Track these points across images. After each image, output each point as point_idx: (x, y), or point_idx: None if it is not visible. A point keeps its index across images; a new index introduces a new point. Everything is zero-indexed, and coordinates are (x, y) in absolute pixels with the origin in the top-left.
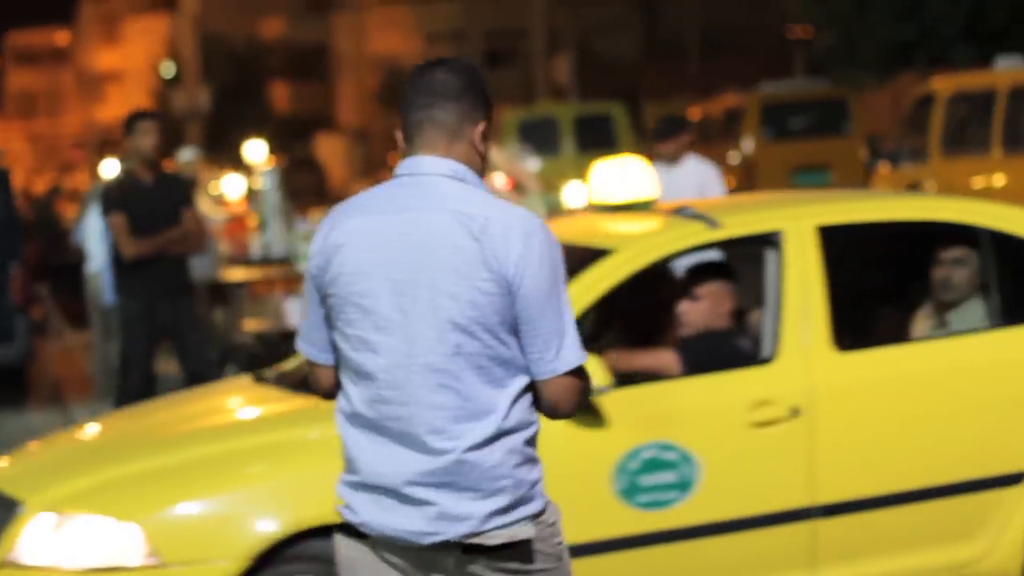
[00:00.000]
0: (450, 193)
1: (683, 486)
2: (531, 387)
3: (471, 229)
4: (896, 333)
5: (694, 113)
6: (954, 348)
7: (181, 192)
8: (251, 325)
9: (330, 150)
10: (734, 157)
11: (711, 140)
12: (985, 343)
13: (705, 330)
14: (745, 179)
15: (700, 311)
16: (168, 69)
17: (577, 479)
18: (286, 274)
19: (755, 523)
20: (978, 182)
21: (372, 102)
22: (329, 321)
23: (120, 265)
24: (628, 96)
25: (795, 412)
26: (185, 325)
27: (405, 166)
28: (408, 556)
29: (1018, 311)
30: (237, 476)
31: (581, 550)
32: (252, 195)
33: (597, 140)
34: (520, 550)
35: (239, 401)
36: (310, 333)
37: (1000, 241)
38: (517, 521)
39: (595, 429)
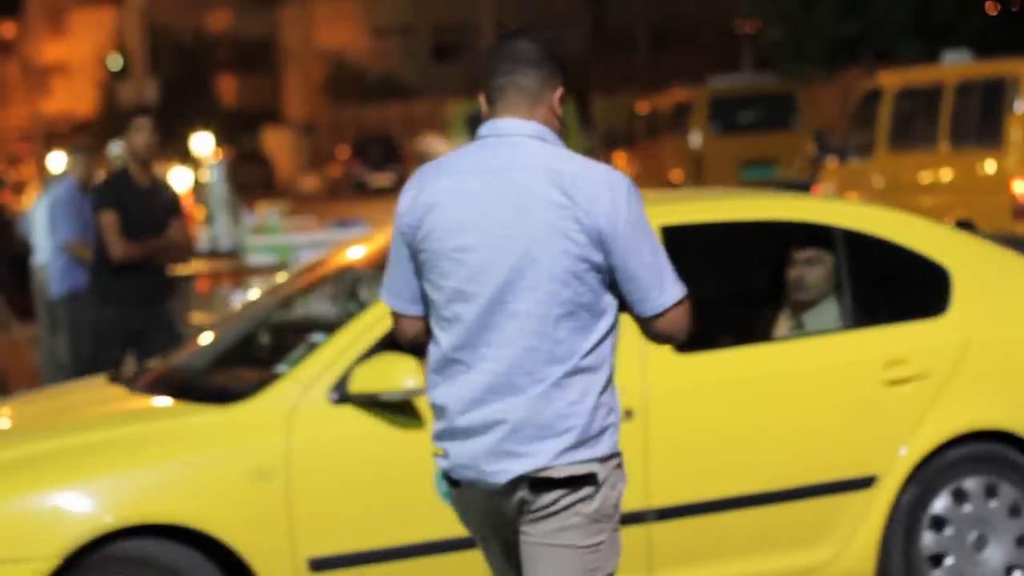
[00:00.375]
0: (536, 152)
1: None
2: (611, 332)
3: (560, 184)
4: (745, 335)
5: (642, 107)
6: (803, 350)
7: (173, 200)
8: (198, 318)
9: (277, 143)
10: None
11: (659, 134)
12: (836, 345)
13: None
14: (694, 173)
15: None
16: (115, 61)
17: (402, 479)
18: (233, 267)
19: None
20: (925, 177)
21: (319, 95)
22: (420, 274)
23: (101, 267)
24: (576, 90)
25: (628, 415)
26: (156, 332)
27: (488, 128)
28: (488, 498)
29: (871, 312)
30: (52, 475)
31: (408, 551)
32: (199, 188)
33: None
34: (584, 484)
35: (81, 400)
36: (398, 287)
37: (854, 241)
38: (585, 460)
39: (416, 429)
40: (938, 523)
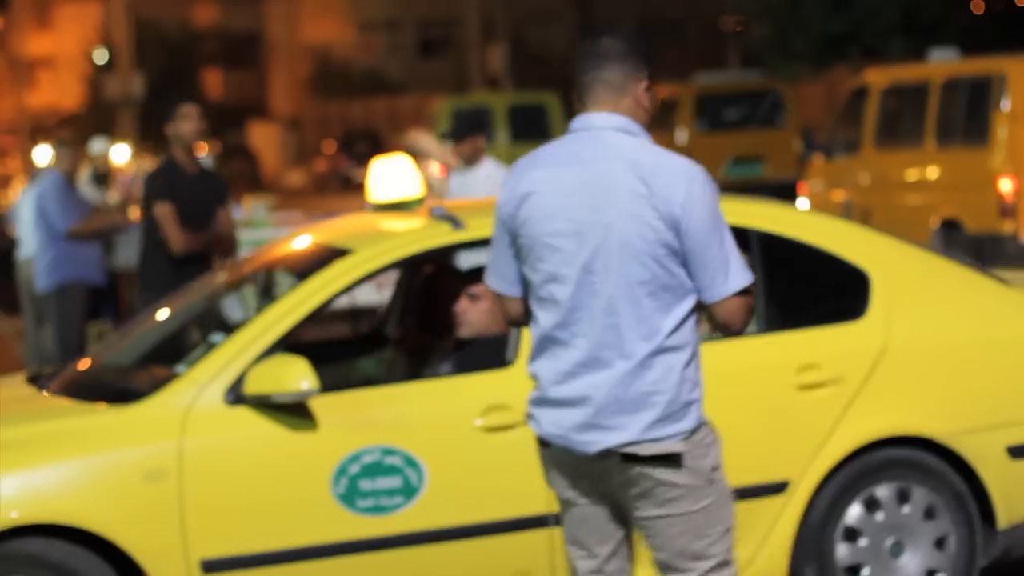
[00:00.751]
0: (620, 144)
1: (408, 491)
2: (695, 311)
3: (640, 175)
4: None
5: None
6: (715, 353)
7: (222, 188)
8: None
9: (263, 138)
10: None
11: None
12: (749, 348)
13: (484, 332)
14: None
15: (479, 311)
16: (101, 55)
17: (296, 482)
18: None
19: (485, 530)
20: (911, 174)
21: (305, 90)
22: (519, 258)
23: (155, 258)
24: (561, 86)
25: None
26: None
27: (578, 122)
28: (578, 461)
29: (786, 316)
30: None
31: (300, 554)
32: None
33: (531, 130)
34: (670, 462)
35: None
36: (500, 270)
37: (770, 244)
38: (670, 436)
39: (311, 432)
40: (852, 534)
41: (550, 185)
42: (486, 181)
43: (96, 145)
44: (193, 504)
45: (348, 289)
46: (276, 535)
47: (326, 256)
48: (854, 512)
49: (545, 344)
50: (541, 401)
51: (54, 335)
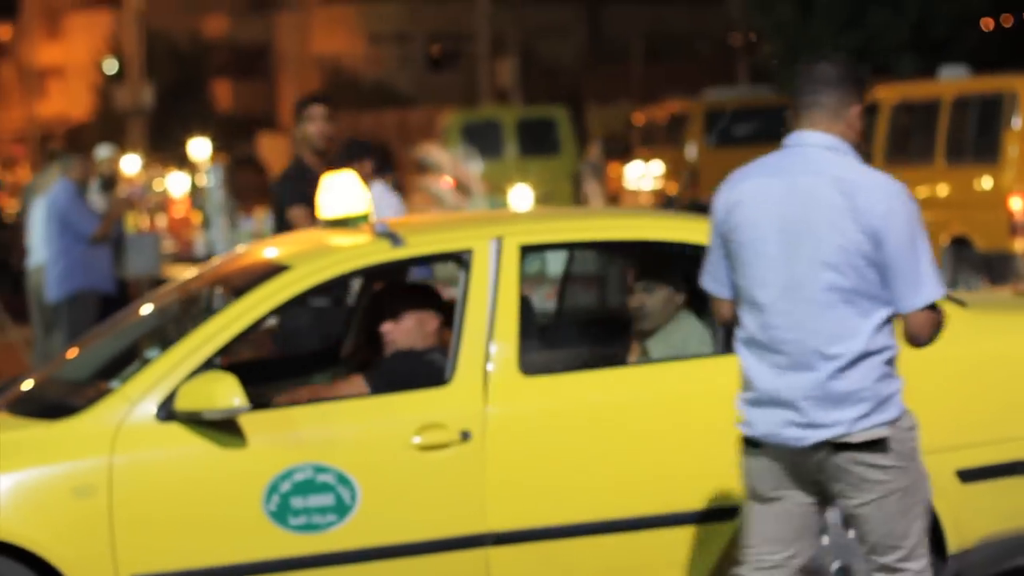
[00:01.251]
0: (827, 161)
1: (341, 510)
2: (892, 317)
3: (844, 189)
4: (600, 358)
5: (638, 118)
6: (651, 376)
7: None
8: None
9: (272, 149)
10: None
11: (655, 145)
12: (688, 372)
13: (404, 350)
14: (690, 186)
15: (404, 331)
16: (111, 65)
17: (227, 499)
18: None
19: (420, 549)
20: (921, 192)
21: None
22: (729, 262)
23: None
24: (571, 100)
25: (465, 436)
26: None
27: (792, 139)
28: (789, 456)
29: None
30: None
31: (232, 572)
32: (196, 193)
33: (540, 144)
34: (878, 447)
35: None
36: (714, 273)
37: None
38: (876, 425)
39: (242, 449)
40: None
41: (759, 195)
42: (376, 205)
43: (101, 151)
44: (123, 520)
45: (285, 305)
46: (207, 552)
47: (265, 272)
48: None
49: (751, 346)
50: (752, 402)
51: (64, 344)
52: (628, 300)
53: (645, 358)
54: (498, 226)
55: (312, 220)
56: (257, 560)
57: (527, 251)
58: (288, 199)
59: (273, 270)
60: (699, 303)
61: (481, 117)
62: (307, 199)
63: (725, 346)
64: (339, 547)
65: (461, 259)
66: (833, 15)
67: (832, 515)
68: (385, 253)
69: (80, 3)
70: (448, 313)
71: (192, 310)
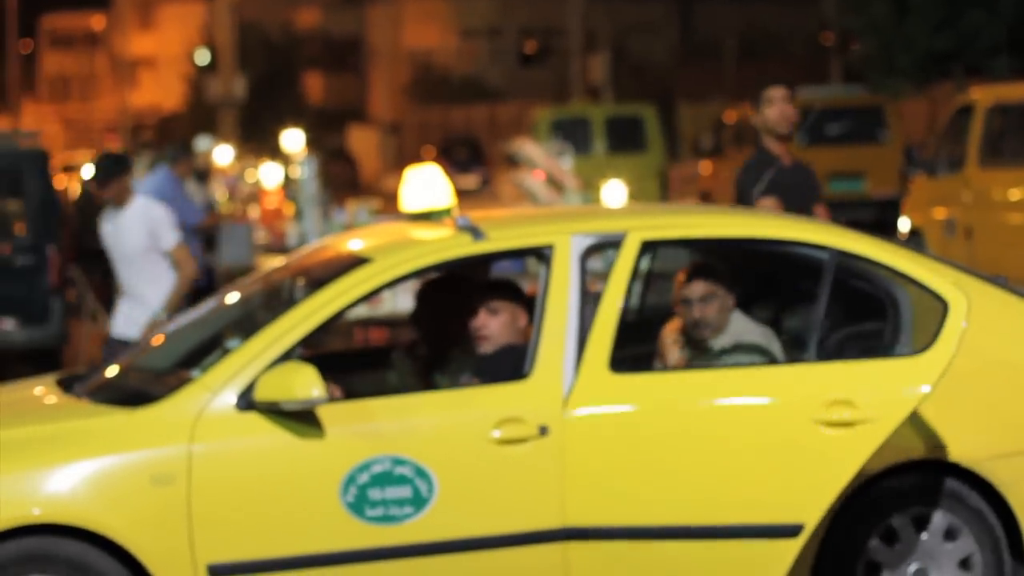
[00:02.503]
0: None
1: (418, 502)
2: None
3: None
4: (685, 360)
5: (730, 116)
6: (731, 381)
7: (816, 181)
8: None
9: (363, 142)
10: None
11: (746, 144)
12: (766, 379)
13: (505, 345)
14: None
15: (500, 324)
16: (203, 56)
17: (304, 490)
18: None
19: (496, 543)
20: (1015, 194)
21: (405, 95)
22: None
23: None
24: (662, 97)
25: (543, 431)
26: None
27: None
28: None
29: (818, 347)
30: None
31: (308, 561)
32: (289, 184)
33: (628, 141)
34: None
35: (10, 400)
36: None
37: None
38: None
39: (320, 440)
40: (873, 568)
41: None
42: (138, 220)
43: (202, 143)
44: (201, 509)
45: (366, 298)
46: (284, 542)
47: (347, 264)
48: (873, 545)
49: None
50: None
51: None
52: (685, 310)
53: (732, 362)
54: (579, 222)
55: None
56: (333, 551)
57: (648, 247)
58: (755, 189)
59: (355, 262)
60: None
61: (570, 113)
62: (777, 188)
63: (792, 352)
64: (415, 539)
65: (542, 254)
66: (928, 15)
67: (899, 520)
68: (467, 247)
69: None
70: (531, 308)
71: (274, 301)
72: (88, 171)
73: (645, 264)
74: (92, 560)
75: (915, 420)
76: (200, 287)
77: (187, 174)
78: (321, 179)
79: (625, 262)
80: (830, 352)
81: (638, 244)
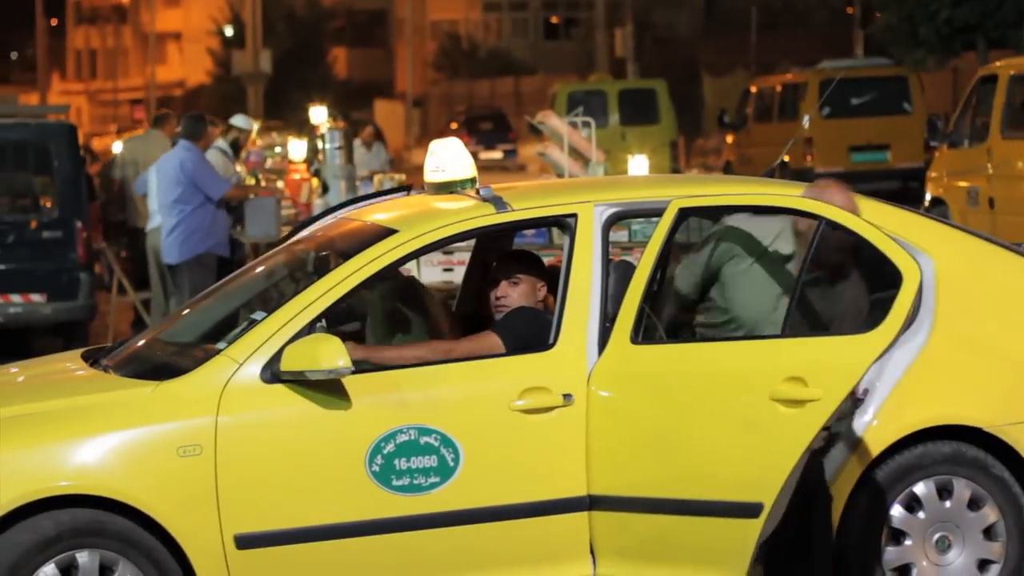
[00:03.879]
0: None
1: (444, 471)
2: None
3: None
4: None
5: (753, 89)
6: (756, 352)
7: None
8: None
9: (388, 115)
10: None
11: (770, 117)
12: (784, 350)
13: (526, 306)
14: (803, 156)
15: (521, 293)
16: (229, 31)
17: (330, 460)
18: None
19: (522, 511)
20: None
21: (431, 69)
22: None
23: None
24: (686, 70)
25: (568, 400)
26: None
27: None
28: None
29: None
30: None
31: (334, 532)
32: (314, 158)
33: (641, 114)
34: None
35: (40, 372)
36: None
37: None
38: None
39: (346, 411)
40: (897, 534)
41: None
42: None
43: (239, 120)
44: (227, 480)
45: (391, 268)
46: (310, 512)
47: (374, 236)
48: (896, 511)
49: None
50: None
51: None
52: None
53: (754, 334)
54: (602, 191)
55: None
56: (360, 520)
57: (685, 214)
58: None
59: (381, 234)
60: None
61: (587, 87)
62: None
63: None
64: (441, 508)
65: (565, 224)
66: None
67: (923, 488)
68: (490, 218)
69: None
70: (552, 280)
71: (300, 273)
72: (117, 146)
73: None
74: (139, 536)
75: (940, 384)
76: (224, 260)
77: (208, 144)
78: (346, 153)
79: (662, 229)
80: (797, 328)
81: (675, 211)
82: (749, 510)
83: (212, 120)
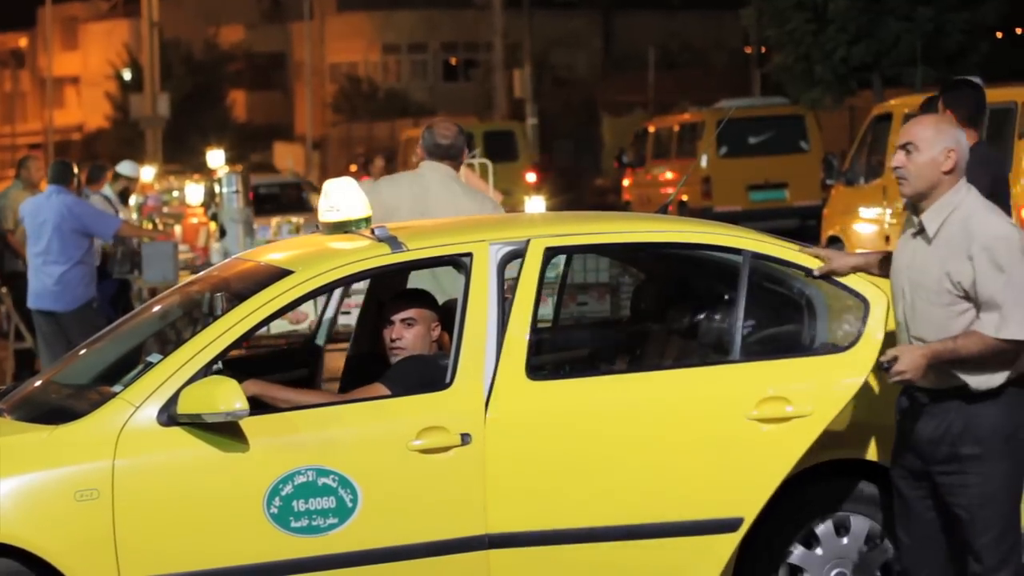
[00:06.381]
0: None
1: (342, 512)
2: None
3: None
4: (609, 363)
5: (651, 128)
6: (654, 384)
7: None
8: None
9: (288, 158)
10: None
11: (668, 155)
12: (692, 380)
13: (416, 355)
14: (701, 195)
15: (415, 335)
16: (127, 75)
17: (228, 502)
18: None
19: (421, 551)
20: None
21: (330, 111)
22: None
23: None
24: (585, 109)
25: (465, 439)
26: None
27: None
28: None
29: (732, 348)
30: None
31: (233, 574)
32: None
33: (502, 152)
34: None
35: None
36: None
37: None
38: None
39: (244, 452)
40: (795, 571)
41: None
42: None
43: (124, 167)
44: (125, 523)
45: (287, 309)
46: (209, 555)
47: (269, 276)
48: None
49: None
50: None
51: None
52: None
53: (653, 365)
54: (497, 230)
55: None
56: (259, 563)
57: (551, 253)
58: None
59: (277, 274)
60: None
61: (467, 130)
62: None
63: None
64: (340, 549)
65: (460, 263)
66: (846, 26)
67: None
68: (386, 258)
69: (96, 13)
70: (445, 318)
71: (195, 314)
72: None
73: (552, 273)
74: None
75: (839, 419)
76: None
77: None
78: (244, 196)
79: (531, 269)
80: (752, 352)
81: (541, 250)
82: (645, 533)
83: (102, 165)
